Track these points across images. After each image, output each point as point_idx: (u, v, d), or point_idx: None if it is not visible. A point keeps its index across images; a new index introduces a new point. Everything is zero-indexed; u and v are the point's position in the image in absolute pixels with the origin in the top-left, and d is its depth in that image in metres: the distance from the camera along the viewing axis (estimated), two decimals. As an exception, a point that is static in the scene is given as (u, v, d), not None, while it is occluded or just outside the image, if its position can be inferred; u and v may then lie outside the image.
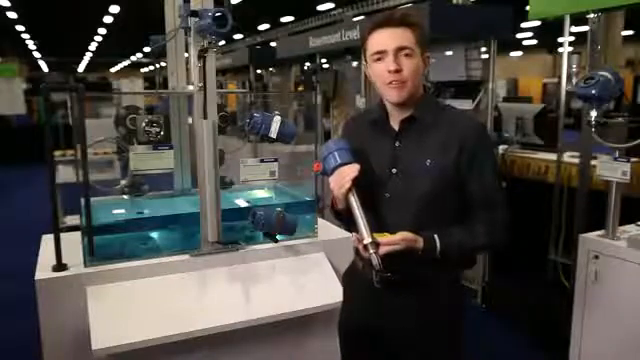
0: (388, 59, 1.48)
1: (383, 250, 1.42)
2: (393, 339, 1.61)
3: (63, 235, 1.96)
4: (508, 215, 1.55)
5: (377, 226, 1.50)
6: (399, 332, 1.59)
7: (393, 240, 1.44)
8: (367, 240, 1.43)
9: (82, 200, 1.96)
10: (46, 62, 27.08)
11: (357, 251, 1.68)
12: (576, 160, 3.36)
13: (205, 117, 2.04)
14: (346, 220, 1.62)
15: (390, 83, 1.49)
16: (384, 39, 1.49)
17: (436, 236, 1.48)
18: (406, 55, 1.48)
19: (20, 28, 18.58)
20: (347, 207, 1.51)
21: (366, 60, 1.57)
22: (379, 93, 1.57)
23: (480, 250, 1.66)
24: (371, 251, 1.41)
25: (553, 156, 3.61)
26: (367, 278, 1.61)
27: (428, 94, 1.64)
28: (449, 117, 1.57)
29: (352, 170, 1.49)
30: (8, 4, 14.09)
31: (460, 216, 1.55)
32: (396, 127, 1.58)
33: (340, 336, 1.79)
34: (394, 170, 1.55)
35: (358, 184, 1.50)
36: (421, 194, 1.51)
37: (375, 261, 1.41)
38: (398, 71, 1.47)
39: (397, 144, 1.57)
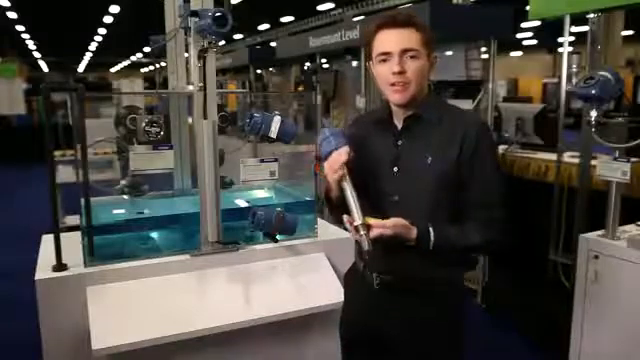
0: (393, 61, 1.47)
1: (374, 233, 1.39)
2: (393, 340, 1.60)
3: (63, 235, 1.96)
4: (508, 215, 1.51)
5: None
6: (399, 333, 1.58)
7: (384, 223, 1.41)
8: (358, 222, 1.40)
9: (82, 200, 1.96)
10: (46, 62, 27.08)
11: (358, 253, 1.69)
12: (576, 160, 3.35)
13: (205, 117, 2.04)
14: (336, 208, 1.58)
15: (393, 84, 1.49)
16: (390, 40, 1.48)
17: (431, 228, 1.46)
18: (411, 57, 1.47)
19: (20, 28, 18.58)
20: (340, 194, 1.49)
21: (371, 59, 1.56)
22: (382, 93, 1.56)
23: (476, 249, 1.62)
24: (362, 232, 1.39)
25: (553, 156, 3.60)
26: (367, 279, 1.61)
27: (433, 93, 1.63)
28: (453, 115, 1.57)
29: (341, 154, 1.46)
30: (8, 4, 14.09)
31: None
32: (399, 125, 1.58)
33: (341, 336, 1.79)
34: (395, 169, 1.55)
35: (360, 183, 1.48)
36: (426, 194, 1.50)
37: (365, 243, 1.38)
38: (402, 72, 1.47)
39: (399, 142, 1.57)
